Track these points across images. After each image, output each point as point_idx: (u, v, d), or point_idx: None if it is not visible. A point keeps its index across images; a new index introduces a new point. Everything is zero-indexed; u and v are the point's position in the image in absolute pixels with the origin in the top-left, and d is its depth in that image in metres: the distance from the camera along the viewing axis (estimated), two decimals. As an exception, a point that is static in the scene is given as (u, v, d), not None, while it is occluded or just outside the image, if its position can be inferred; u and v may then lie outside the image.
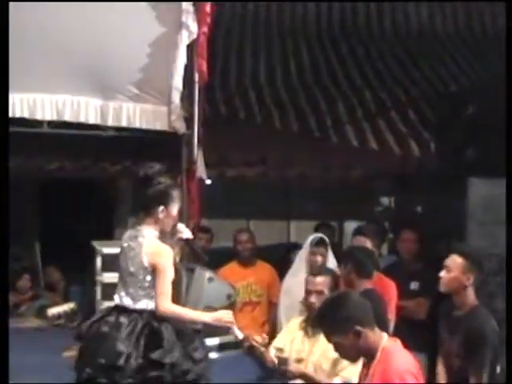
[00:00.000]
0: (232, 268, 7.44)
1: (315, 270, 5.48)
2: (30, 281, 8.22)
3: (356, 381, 4.52)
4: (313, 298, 5.11)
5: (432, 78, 11.36)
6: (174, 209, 4.39)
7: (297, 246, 8.86)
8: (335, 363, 4.87)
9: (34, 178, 9.81)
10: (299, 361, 4.98)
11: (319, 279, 5.15)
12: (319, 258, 6.49)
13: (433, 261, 7.20)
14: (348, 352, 3.86)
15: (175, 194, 4.42)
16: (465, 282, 5.14)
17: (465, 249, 5.53)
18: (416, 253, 7.26)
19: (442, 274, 5.28)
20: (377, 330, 3.87)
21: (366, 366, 3.87)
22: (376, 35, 12.84)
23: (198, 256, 4.88)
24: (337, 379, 4.81)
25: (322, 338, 4.92)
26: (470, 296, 5.18)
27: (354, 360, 3.98)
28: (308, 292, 5.18)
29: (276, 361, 4.76)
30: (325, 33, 12.72)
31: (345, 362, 4.72)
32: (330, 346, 4.78)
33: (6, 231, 4.02)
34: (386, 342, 3.83)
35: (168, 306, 4.24)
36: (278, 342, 5.21)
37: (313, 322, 4.49)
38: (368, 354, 3.82)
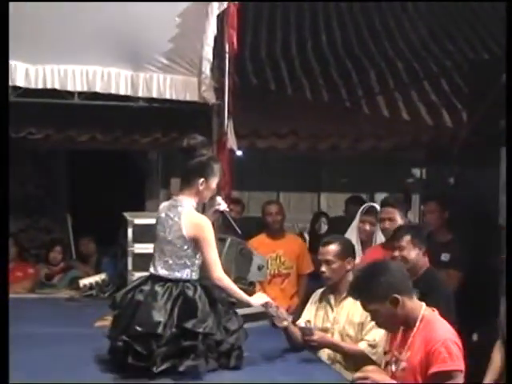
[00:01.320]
0: (261, 240, 7.41)
1: (325, 239, 5.40)
2: (62, 252, 8.26)
3: (382, 344, 4.54)
4: (323, 268, 5.09)
5: (464, 48, 11.24)
6: (214, 181, 4.39)
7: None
8: (360, 328, 4.87)
9: (64, 149, 9.85)
10: (325, 330, 4.97)
11: (326, 248, 5.11)
12: (367, 227, 6.49)
13: (465, 233, 7.18)
14: (386, 320, 3.85)
15: (216, 166, 4.40)
16: None
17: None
18: (442, 224, 7.22)
19: None
20: (415, 298, 3.85)
21: (404, 334, 3.86)
22: (409, 6, 12.71)
23: (233, 229, 4.87)
24: (362, 343, 4.81)
25: (345, 305, 4.97)
26: None
27: (392, 329, 3.96)
28: (318, 262, 5.17)
29: (300, 332, 4.74)
30: (356, 3, 12.61)
31: (368, 326, 4.76)
32: (355, 312, 4.84)
33: (6, 231, 4.01)
34: (425, 311, 3.82)
35: (222, 275, 4.28)
36: (304, 315, 5.20)
37: (349, 289, 4.47)
38: (406, 323, 3.81)
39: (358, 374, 3.90)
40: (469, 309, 6.13)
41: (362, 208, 6.72)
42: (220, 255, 4.82)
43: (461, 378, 3.71)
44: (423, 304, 3.86)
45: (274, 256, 7.35)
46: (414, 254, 5.36)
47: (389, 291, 3.75)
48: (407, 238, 5.40)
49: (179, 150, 4.40)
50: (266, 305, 4.53)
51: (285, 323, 4.68)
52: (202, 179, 4.31)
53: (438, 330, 3.73)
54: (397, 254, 5.32)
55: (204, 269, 4.30)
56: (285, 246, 7.48)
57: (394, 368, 3.86)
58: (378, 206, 6.66)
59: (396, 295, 3.74)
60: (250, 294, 4.71)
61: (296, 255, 7.50)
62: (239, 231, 4.95)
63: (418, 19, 12.32)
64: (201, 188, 4.33)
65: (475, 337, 5.99)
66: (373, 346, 4.72)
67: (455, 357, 3.65)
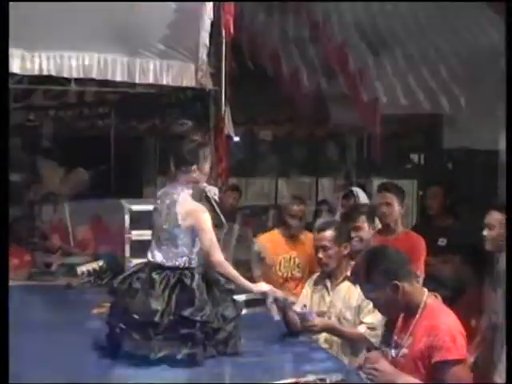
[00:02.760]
0: (274, 237, 6.81)
1: (320, 225, 5.40)
2: (60, 240, 8.24)
3: (380, 328, 4.53)
4: (320, 254, 5.09)
5: (463, 34, 11.20)
6: (206, 166, 4.37)
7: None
8: (357, 311, 4.89)
9: (62, 136, 9.82)
10: (321, 314, 4.97)
11: (322, 234, 5.11)
12: (344, 210, 6.48)
13: (464, 218, 7.17)
14: (387, 307, 3.83)
15: (207, 151, 4.38)
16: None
17: (502, 203, 5.26)
18: (442, 209, 7.22)
19: (485, 232, 5.12)
20: (417, 285, 3.83)
21: (405, 320, 3.83)
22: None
23: (218, 218, 4.75)
24: (361, 327, 4.82)
25: (341, 288, 4.99)
26: None
27: (394, 316, 3.92)
28: (315, 248, 5.16)
29: (298, 318, 4.72)
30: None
31: (366, 309, 4.78)
32: (351, 295, 4.87)
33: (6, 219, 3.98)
34: (428, 298, 3.80)
35: (222, 260, 4.26)
36: (300, 299, 5.19)
37: (350, 277, 4.48)
38: (408, 309, 3.78)
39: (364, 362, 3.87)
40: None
41: (342, 193, 6.74)
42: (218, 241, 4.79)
43: (465, 367, 3.69)
44: (425, 290, 3.84)
45: (287, 258, 6.64)
46: (368, 233, 5.42)
47: (388, 278, 3.72)
48: (362, 218, 5.45)
49: (171, 137, 4.37)
50: (266, 294, 4.52)
51: (277, 317, 4.66)
52: (193, 166, 4.29)
53: (442, 319, 3.70)
54: (353, 234, 5.34)
55: (204, 255, 4.29)
56: (300, 247, 6.68)
57: (394, 353, 3.83)
58: (357, 190, 6.66)
59: (396, 282, 3.71)
60: (249, 279, 4.70)
61: (311, 256, 6.37)
62: (225, 224, 4.86)
63: (416, 6, 12.26)
64: (194, 175, 4.31)
65: (473, 323, 5.96)
66: (372, 329, 4.74)
67: (460, 346, 3.63)
